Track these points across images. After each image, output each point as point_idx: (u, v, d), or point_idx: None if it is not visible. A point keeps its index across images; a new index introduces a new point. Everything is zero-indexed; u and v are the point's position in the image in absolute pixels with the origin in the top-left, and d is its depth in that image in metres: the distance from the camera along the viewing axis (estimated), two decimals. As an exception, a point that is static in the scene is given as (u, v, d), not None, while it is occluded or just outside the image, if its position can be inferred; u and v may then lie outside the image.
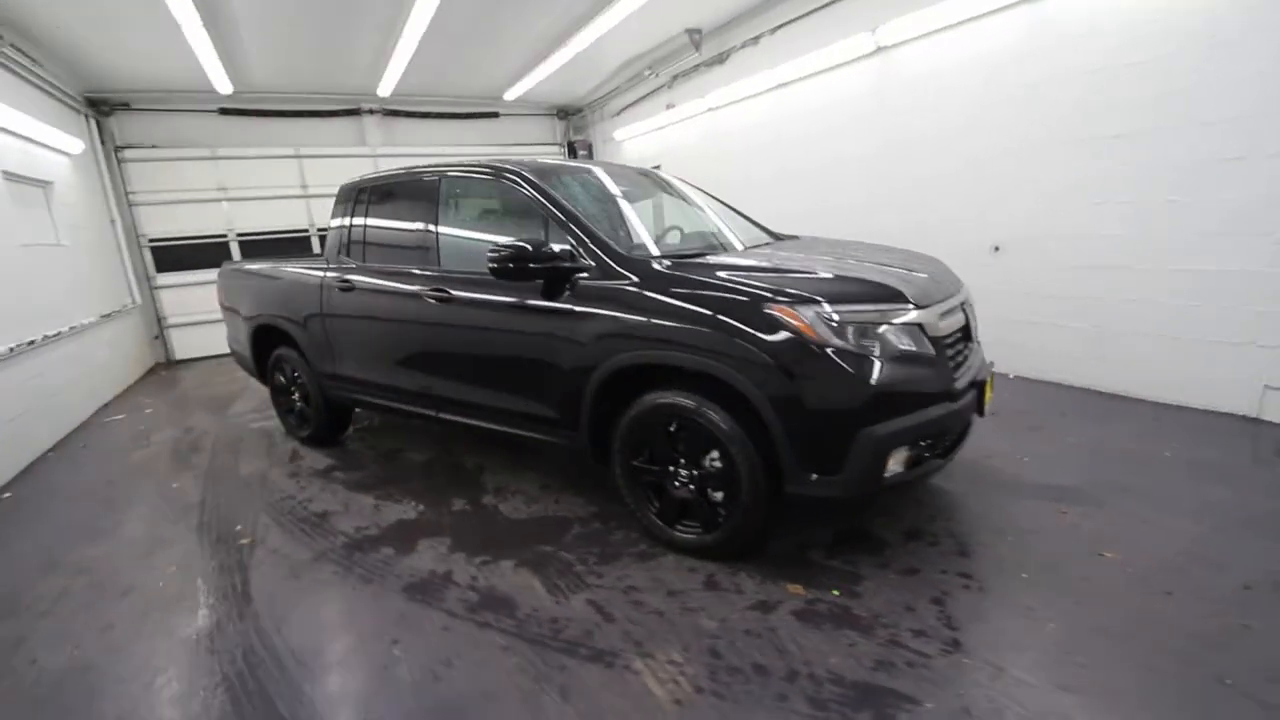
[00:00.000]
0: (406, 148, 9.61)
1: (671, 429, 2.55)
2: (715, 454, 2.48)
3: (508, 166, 3.16)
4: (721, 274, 2.47)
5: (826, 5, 5.82)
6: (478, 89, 9.23)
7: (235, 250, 8.64)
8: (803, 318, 2.21)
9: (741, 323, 2.29)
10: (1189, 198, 3.74)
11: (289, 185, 8.92)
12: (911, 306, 2.35)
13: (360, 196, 3.81)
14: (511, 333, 2.95)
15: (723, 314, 2.33)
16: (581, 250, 2.75)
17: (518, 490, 3.49)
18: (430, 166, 3.50)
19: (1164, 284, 3.91)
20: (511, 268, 2.70)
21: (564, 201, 2.92)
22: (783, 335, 2.22)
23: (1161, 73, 3.75)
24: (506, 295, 2.95)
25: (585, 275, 2.72)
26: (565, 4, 6.12)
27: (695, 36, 7.01)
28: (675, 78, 8.14)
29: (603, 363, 2.63)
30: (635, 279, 2.60)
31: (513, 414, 3.09)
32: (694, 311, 2.39)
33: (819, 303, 2.25)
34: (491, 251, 2.73)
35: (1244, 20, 3.42)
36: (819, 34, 5.95)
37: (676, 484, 2.62)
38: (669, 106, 8.41)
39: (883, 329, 2.27)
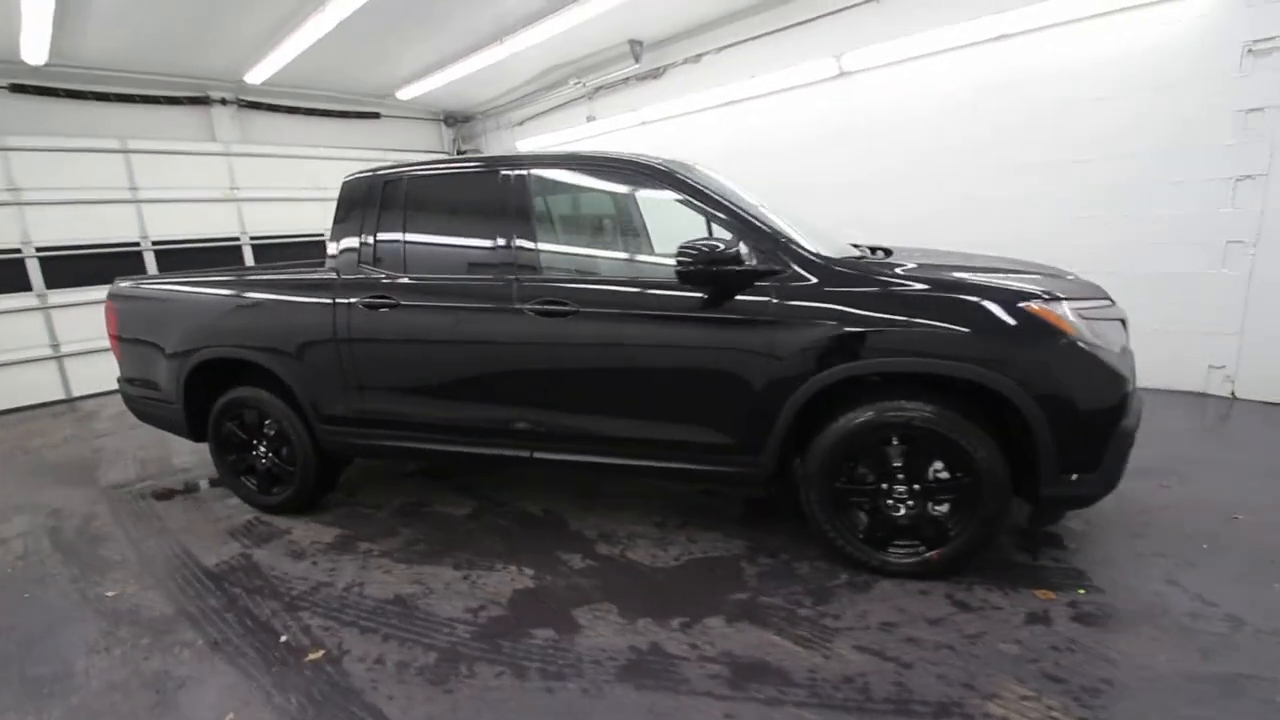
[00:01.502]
0: (270, 146, 8.11)
1: (892, 442, 2.35)
2: (939, 465, 2.33)
3: (636, 158, 2.72)
4: (940, 275, 2.35)
5: (780, 30, 6.04)
6: (369, 85, 8.11)
7: (35, 271, 6.51)
8: (1062, 315, 2.16)
9: (997, 322, 2.18)
10: (1142, 213, 4.46)
11: (113, 187, 6.97)
12: (1115, 303, 2.43)
13: (388, 194, 3.01)
14: (671, 349, 2.51)
15: (973, 314, 2.20)
16: (772, 252, 2.43)
17: (632, 533, 2.98)
18: (506, 156, 2.89)
19: (1131, 284, 4.60)
20: (712, 272, 2.31)
21: (730, 198, 2.57)
22: (1046, 334, 2.15)
23: (1117, 109, 4.46)
24: (661, 306, 2.51)
25: (768, 281, 2.41)
26: (515, 2, 5.62)
27: (637, 48, 6.86)
28: (598, 89, 7.90)
29: (811, 376, 2.33)
30: (841, 282, 2.36)
31: (663, 444, 2.62)
32: (939, 314, 2.23)
33: (1061, 300, 2.22)
34: (685, 254, 2.31)
35: (1186, 68, 4.18)
36: (770, 57, 6.16)
37: (891, 502, 2.41)
38: (590, 119, 8.13)
39: (1114, 325, 2.32)
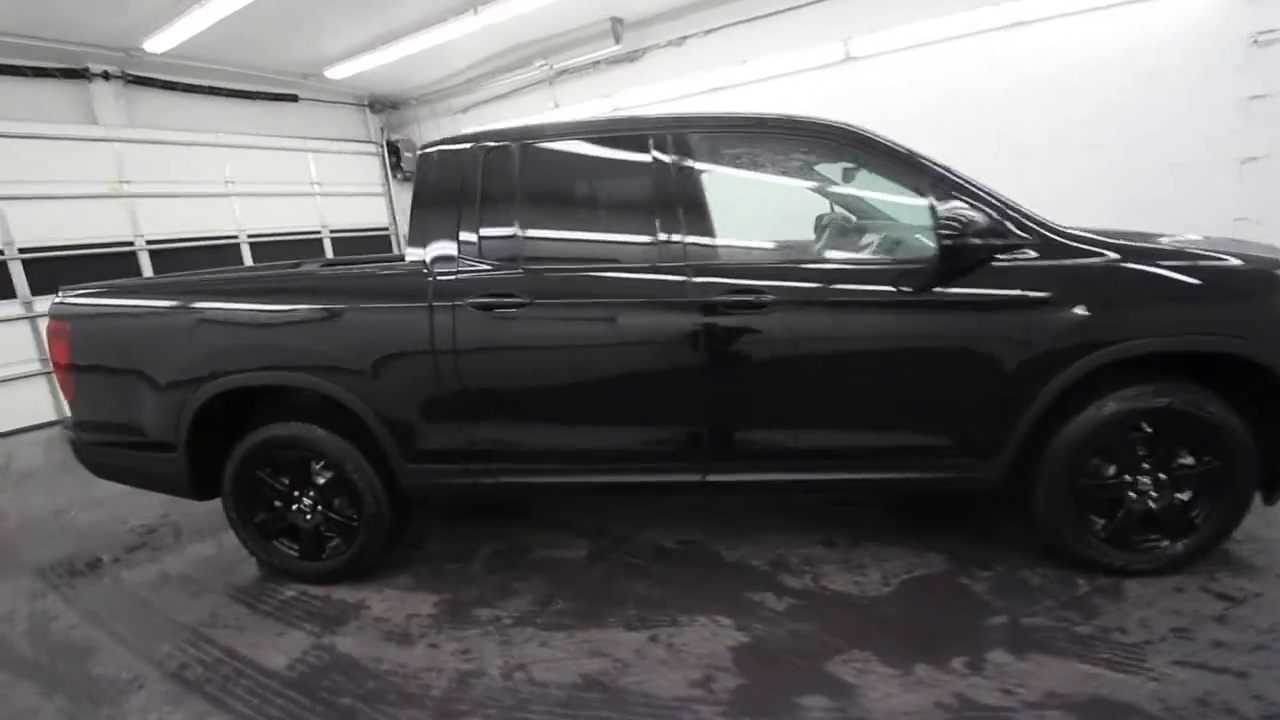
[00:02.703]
0: (164, 132, 6.76)
1: (1142, 429, 2.15)
2: (1186, 451, 2.17)
3: (829, 121, 2.32)
4: (1181, 247, 2.20)
5: (779, 12, 5.85)
6: (291, 61, 6.98)
7: None
8: (1316, 283, 2.07)
9: (1263, 293, 2.05)
10: (1129, 196, 4.71)
11: (-42, 178, 5.43)
12: None
13: (493, 167, 2.39)
14: (902, 338, 2.15)
15: (1234, 285, 2.06)
16: (1001, 224, 2.13)
17: (807, 558, 2.57)
18: (658, 118, 2.37)
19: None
20: (972, 245, 1.98)
21: (941, 163, 2.24)
22: (1311, 303, 2.04)
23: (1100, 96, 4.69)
24: (887, 289, 2.15)
25: (1009, 256, 2.12)
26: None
27: (618, 26, 6.39)
28: (562, 73, 7.33)
29: (1071, 362, 2.07)
30: (1075, 255, 2.13)
31: (878, 453, 2.26)
32: (1202, 288, 2.06)
33: (1306, 269, 2.13)
34: (950, 223, 1.96)
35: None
36: (767, 42, 5.96)
37: (1134, 495, 2.21)
38: (556, 105, 7.53)
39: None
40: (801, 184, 2.53)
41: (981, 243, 2.04)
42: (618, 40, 6.51)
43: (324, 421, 2.51)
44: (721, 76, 6.24)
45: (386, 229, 9.16)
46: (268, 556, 2.68)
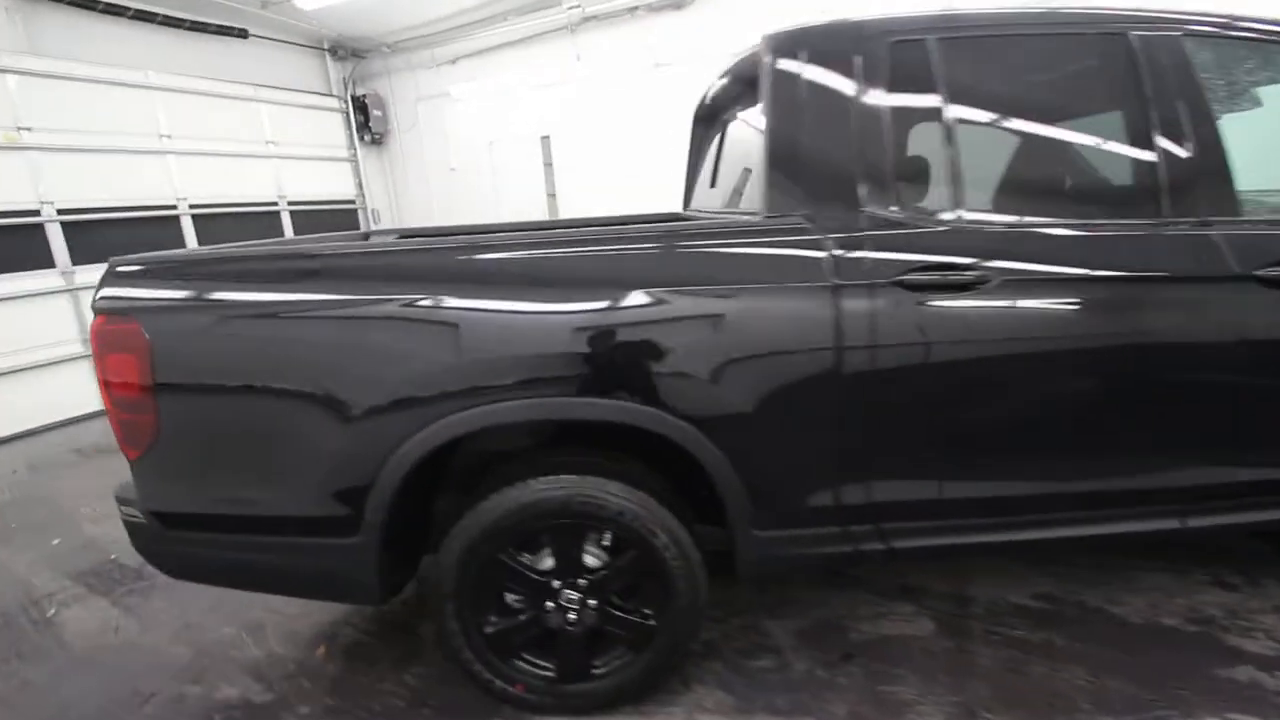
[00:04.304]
0: (77, 65, 5.10)
1: None
2: None
3: None
4: None
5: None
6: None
7: None
8: None
9: None
10: None
11: None
12: None
13: (902, 66, 1.53)
14: None
15: None
16: None
17: (1231, 609, 1.96)
18: (1138, 14, 1.60)
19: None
20: None
21: None
22: None
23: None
24: None
25: None
26: None
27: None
28: (587, 20, 6.30)
29: None
30: None
31: None
32: None
33: None
34: None
35: None
36: None
37: None
38: (578, 59, 6.48)
39: None
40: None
41: None
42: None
43: (606, 472, 1.59)
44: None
45: (353, 201, 7.69)
46: (505, 682, 1.69)
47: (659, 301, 1.46)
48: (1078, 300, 1.51)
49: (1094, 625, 1.99)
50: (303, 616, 2.28)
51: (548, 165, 7.05)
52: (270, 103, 6.58)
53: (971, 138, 1.57)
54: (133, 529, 1.64)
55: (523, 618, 1.66)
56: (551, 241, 1.54)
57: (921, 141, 1.56)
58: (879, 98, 1.52)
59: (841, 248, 1.47)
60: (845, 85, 1.53)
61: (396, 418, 1.45)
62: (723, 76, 2.23)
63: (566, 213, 7.09)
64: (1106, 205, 1.64)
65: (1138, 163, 1.57)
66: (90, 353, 2.00)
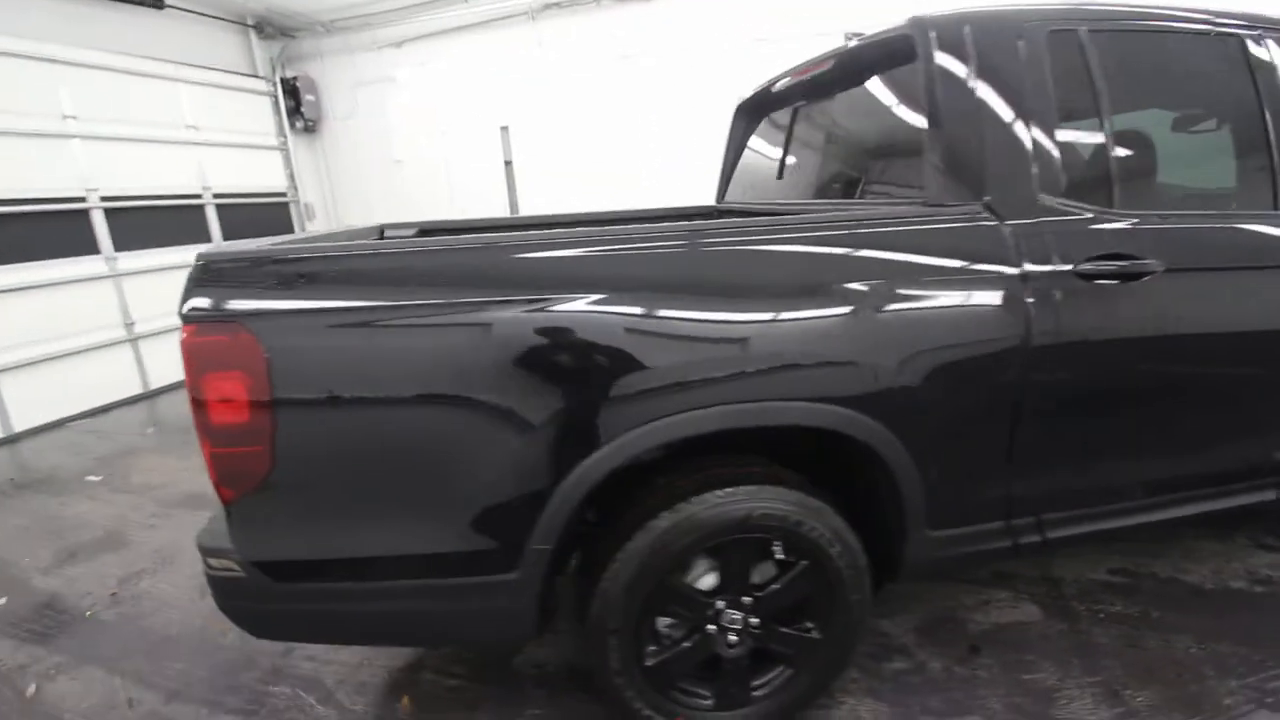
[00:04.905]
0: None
1: None
2: None
3: None
4: None
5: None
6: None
7: None
8: None
9: None
10: None
11: None
12: None
13: (1059, 59, 1.50)
14: None
15: None
16: None
17: (1294, 572, 2.14)
18: None
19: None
20: None
21: None
22: None
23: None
24: None
25: None
26: None
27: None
28: (548, 6, 6.04)
29: None
30: None
31: None
32: None
33: None
34: None
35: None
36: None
37: None
38: (539, 45, 6.21)
39: None
40: None
41: None
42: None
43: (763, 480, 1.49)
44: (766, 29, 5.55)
45: (284, 194, 6.99)
46: (665, 717, 1.54)
47: (852, 297, 1.37)
48: (1231, 289, 1.57)
49: (1176, 594, 2.10)
50: (364, 665, 2.01)
51: (508, 163, 6.72)
52: (190, 83, 5.83)
53: (1125, 132, 1.59)
54: (224, 586, 1.35)
55: (685, 645, 1.52)
56: (737, 236, 1.40)
57: (1078, 135, 1.56)
58: (1046, 86, 1.51)
59: (1023, 236, 1.44)
60: (1015, 73, 1.50)
61: (582, 431, 1.27)
62: (808, 66, 2.15)
63: (528, 208, 6.81)
64: (1257, 198, 1.70)
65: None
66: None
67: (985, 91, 1.48)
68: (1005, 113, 1.48)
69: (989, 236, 1.44)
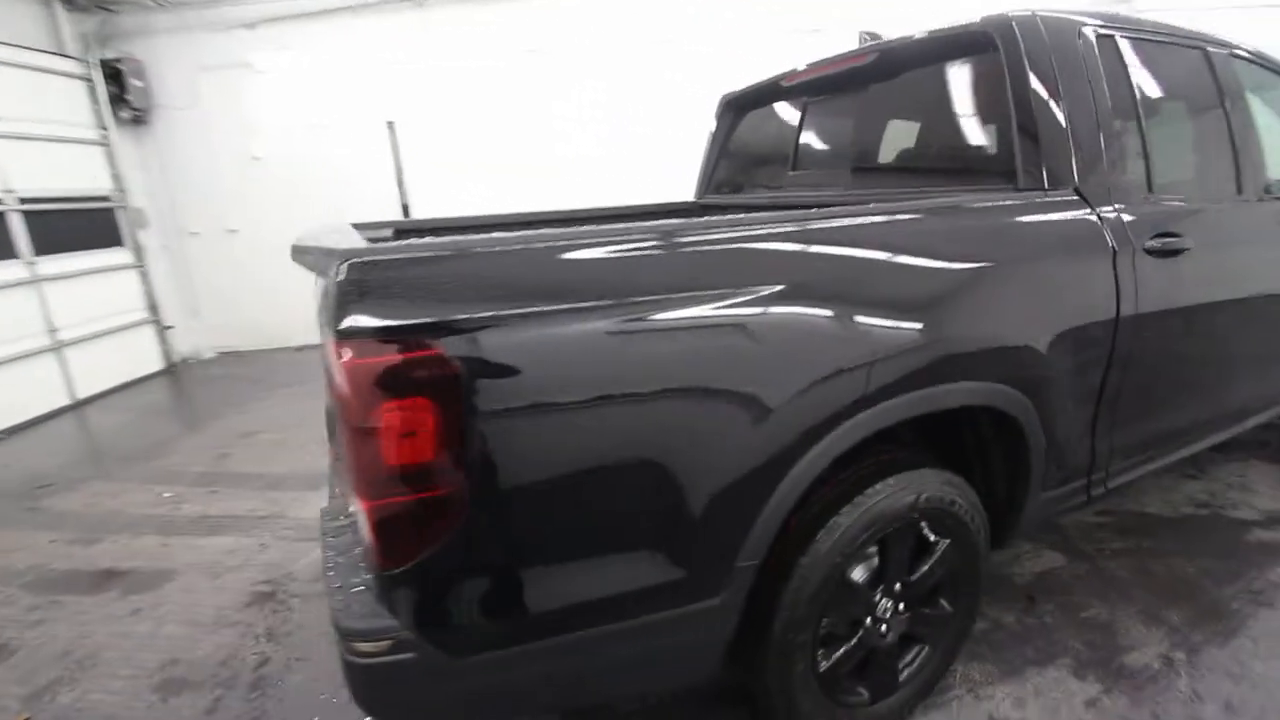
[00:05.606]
0: None
1: None
2: None
3: None
4: None
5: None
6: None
7: None
8: None
9: None
10: None
11: None
12: None
13: (1107, 60, 1.69)
14: None
15: None
16: None
17: None
18: None
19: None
20: None
21: None
22: None
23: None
24: None
25: None
26: None
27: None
28: (440, -7, 5.61)
29: None
30: None
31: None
32: None
33: None
34: None
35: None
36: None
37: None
38: (425, 29, 5.73)
39: None
40: None
41: None
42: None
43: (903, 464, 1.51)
44: (670, 28, 5.62)
45: (108, 198, 5.76)
46: (830, 708, 1.49)
47: (995, 277, 1.43)
48: (1257, 260, 1.91)
49: (1150, 525, 2.47)
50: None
51: (399, 169, 6.13)
52: (-25, 58, 4.60)
53: (1153, 126, 1.83)
54: (377, 675, 1.06)
55: (851, 643, 1.49)
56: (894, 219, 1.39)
57: (1125, 129, 1.77)
58: (1103, 82, 1.68)
59: (1108, 218, 1.60)
60: (1086, 69, 1.65)
61: (800, 428, 1.19)
62: (836, 60, 2.20)
63: (422, 209, 6.26)
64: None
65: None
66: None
67: (1068, 86, 1.62)
68: (1085, 105, 1.63)
69: (1087, 219, 1.58)
